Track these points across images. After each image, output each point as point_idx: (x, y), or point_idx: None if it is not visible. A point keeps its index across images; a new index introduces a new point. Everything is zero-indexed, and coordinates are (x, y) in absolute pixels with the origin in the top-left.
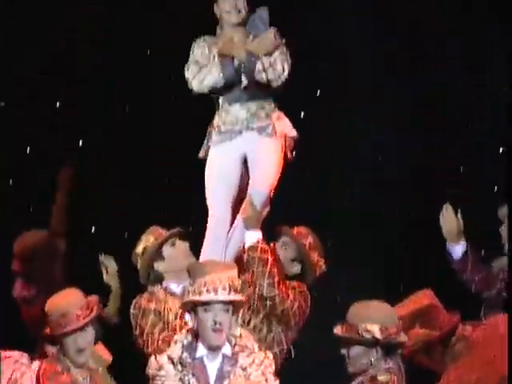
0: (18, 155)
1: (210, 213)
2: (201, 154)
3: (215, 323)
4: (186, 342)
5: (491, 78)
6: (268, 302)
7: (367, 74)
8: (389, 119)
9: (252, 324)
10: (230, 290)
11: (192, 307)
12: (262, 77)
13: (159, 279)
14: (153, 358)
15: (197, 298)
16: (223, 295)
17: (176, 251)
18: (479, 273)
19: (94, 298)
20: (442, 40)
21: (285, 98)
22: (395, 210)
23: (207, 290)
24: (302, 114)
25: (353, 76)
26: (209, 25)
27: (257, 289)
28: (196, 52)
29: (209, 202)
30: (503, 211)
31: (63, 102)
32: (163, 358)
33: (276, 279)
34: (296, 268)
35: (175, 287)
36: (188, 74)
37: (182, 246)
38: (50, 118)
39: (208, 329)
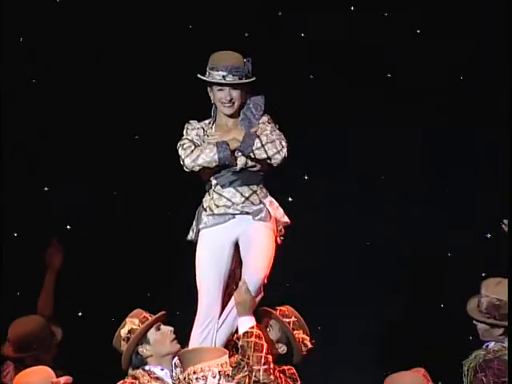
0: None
1: (200, 296)
2: (189, 237)
3: None
4: None
5: None
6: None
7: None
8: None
9: None
10: (220, 377)
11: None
12: (261, 153)
13: (142, 363)
14: None
15: None
16: (212, 382)
17: (162, 336)
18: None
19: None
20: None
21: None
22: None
23: (196, 379)
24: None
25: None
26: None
27: (252, 374)
28: (190, 133)
29: (199, 285)
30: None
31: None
32: None
33: (271, 366)
34: (282, 349)
35: (159, 371)
36: (181, 152)
37: (167, 330)
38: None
39: None
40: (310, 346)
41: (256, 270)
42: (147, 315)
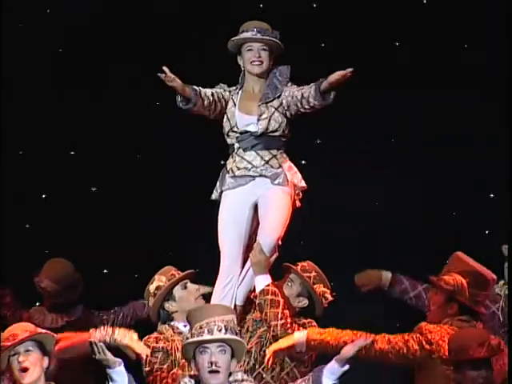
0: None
1: (222, 256)
2: (213, 197)
3: (211, 364)
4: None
5: None
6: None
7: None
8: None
9: (265, 363)
10: (225, 330)
11: (193, 354)
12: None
13: (168, 318)
14: None
15: (192, 339)
16: (217, 335)
17: (187, 293)
18: (413, 290)
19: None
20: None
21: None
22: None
23: (202, 332)
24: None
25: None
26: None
27: (271, 329)
28: (215, 89)
29: (221, 245)
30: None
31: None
32: None
33: (289, 320)
34: (303, 302)
35: (182, 327)
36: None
37: (193, 288)
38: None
39: (205, 371)
40: (330, 298)
41: (270, 231)
42: (175, 273)
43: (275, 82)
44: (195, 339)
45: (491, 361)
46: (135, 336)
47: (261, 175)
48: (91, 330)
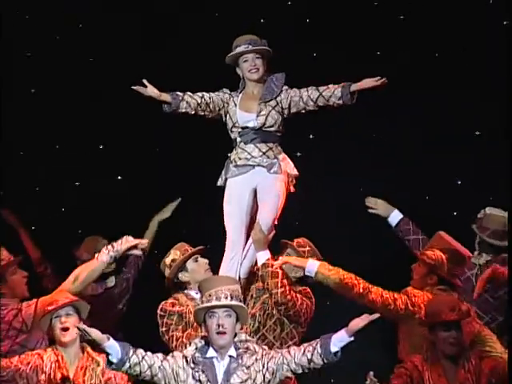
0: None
1: (227, 234)
2: (219, 183)
3: (219, 326)
4: (199, 345)
5: None
6: (282, 307)
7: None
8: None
9: (268, 325)
10: (231, 298)
11: (203, 318)
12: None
13: (181, 287)
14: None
15: (203, 305)
16: (224, 301)
17: (198, 266)
18: (414, 234)
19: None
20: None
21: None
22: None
23: (211, 299)
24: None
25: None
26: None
27: (272, 297)
28: (215, 93)
29: (226, 225)
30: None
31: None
32: (179, 355)
33: (287, 288)
34: (298, 273)
35: (195, 294)
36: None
37: (203, 261)
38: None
39: (213, 332)
40: None
41: (268, 213)
42: (188, 248)
43: (272, 86)
44: (205, 305)
45: (461, 324)
46: (130, 238)
47: (259, 165)
48: (96, 255)
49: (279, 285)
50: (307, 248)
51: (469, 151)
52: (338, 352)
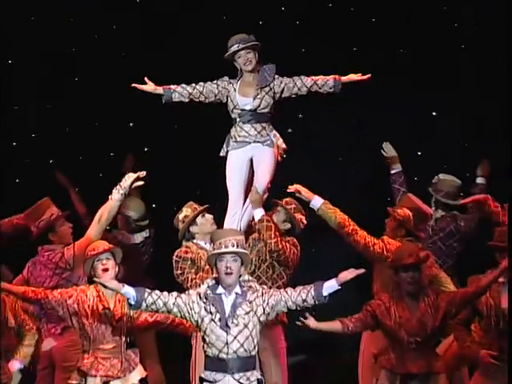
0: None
1: (229, 195)
2: (222, 154)
3: (227, 268)
4: (210, 284)
5: None
6: (274, 254)
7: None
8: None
9: (262, 268)
10: (236, 245)
11: (214, 262)
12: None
13: (192, 238)
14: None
15: (214, 252)
16: (231, 249)
17: (205, 220)
18: (399, 185)
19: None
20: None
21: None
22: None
23: (221, 247)
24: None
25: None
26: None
27: (266, 246)
28: (217, 82)
29: (229, 188)
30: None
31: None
32: (194, 293)
33: (279, 238)
34: (287, 226)
35: (203, 244)
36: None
37: (209, 217)
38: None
39: (222, 273)
40: (305, 222)
41: (262, 178)
42: (196, 206)
43: (265, 75)
44: (216, 252)
45: (420, 267)
46: (131, 174)
47: (255, 141)
48: (110, 196)
49: (272, 236)
50: (293, 205)
51: (427, 130)
52: (327, 296)
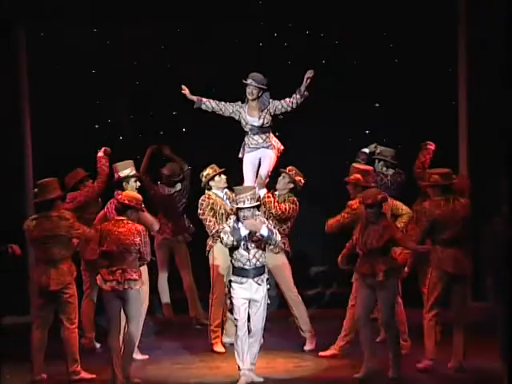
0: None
1: (244, 181)
2: (240, 155)
3: (244, 217)
4: (234, 219)
5: None
6: (276, 217)
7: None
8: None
9: (267, 222)
10: (251, 200)
11: (235, 211)
12: (288, 107)
13: (211, 189)
14: (218, 227)
15: (237, 205)
16: (248, 204)
17: (220, 179)
18: (363, 160)
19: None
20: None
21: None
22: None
23: (241, 201)
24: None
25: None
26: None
27: (270, 212)
28: (233, 104)
29: (244, 176)
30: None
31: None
32: (225, 225)
33: (278, 207)
34: (290, 186)
35: (220, 193)
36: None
37: (224, 177)
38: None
39: (241, 218)
40: (303, 182)
41: (265, 170)
42: (217, 168)
43: (264, 100)
44: (238, 206)
45: (378, 205)
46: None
47: (262, 147)
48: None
49: (273, 206)
50: (294, 171)
51: (373, 115)
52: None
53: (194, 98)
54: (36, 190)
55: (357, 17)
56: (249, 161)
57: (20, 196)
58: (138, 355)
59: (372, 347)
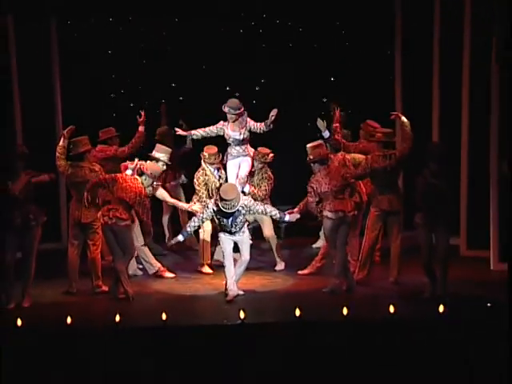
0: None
1: (228, 179)
2: (225, 162)
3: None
4: (211, 211)
5: None
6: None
7: None
8: None
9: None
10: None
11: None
12: (257, 130)
13: (205, 164)
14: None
15: (224, 209)
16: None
17: (215, 155)
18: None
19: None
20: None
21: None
22: None
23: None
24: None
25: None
26: None
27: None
28: (217, 126)
29: (228, 177)
30: None
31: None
32: (210, 205)
33: (258, 191)
34: (261, 166)
35: (212, 169)
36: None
37: (216, 155)
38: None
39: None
40: (271, 155)
41: (244, 172)
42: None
43: (241, 120)
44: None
45: (326, 159)
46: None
47: (242, 156)
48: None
49: (254, 192)
50: (260, 155)
51: (329, 87)
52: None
53: (186, 133)
54: (71, 145)
55: (317, 10)
56: (232, 164)
57: (52, 146)
58: (164, 273)
59: (343, 269)
